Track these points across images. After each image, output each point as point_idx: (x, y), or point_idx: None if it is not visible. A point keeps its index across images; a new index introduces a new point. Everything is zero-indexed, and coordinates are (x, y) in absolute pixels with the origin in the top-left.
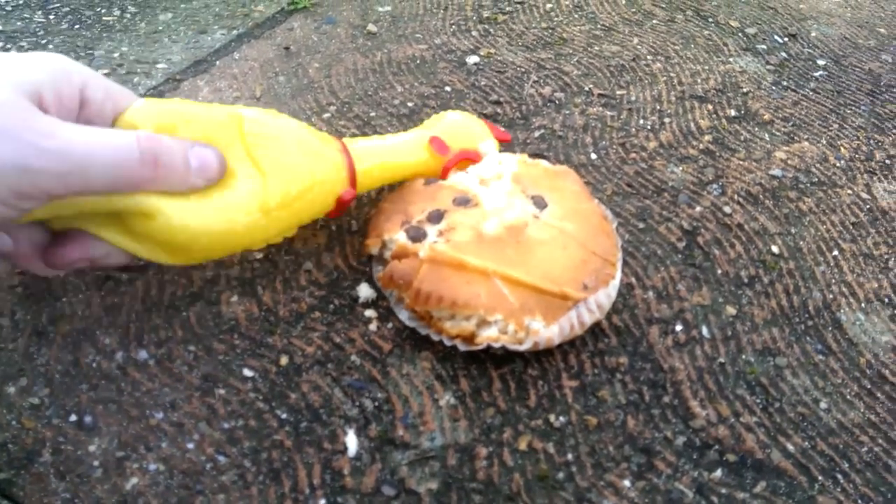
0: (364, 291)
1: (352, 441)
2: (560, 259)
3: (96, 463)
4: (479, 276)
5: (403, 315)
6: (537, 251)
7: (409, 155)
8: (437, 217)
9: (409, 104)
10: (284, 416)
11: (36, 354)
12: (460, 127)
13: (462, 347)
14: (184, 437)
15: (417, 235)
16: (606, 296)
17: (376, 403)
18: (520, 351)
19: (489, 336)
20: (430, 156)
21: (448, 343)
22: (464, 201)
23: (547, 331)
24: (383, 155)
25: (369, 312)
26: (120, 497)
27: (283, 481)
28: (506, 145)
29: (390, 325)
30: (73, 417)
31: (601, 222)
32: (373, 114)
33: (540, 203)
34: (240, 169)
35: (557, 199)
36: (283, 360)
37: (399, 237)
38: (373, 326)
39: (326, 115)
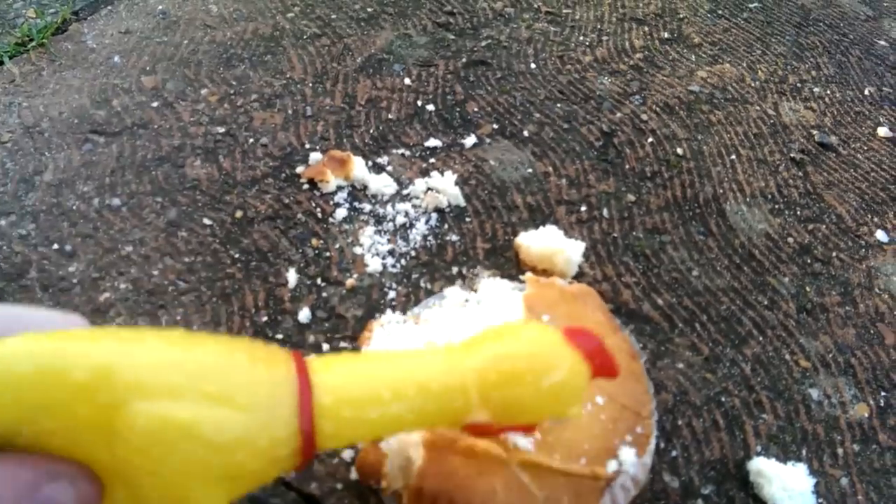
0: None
1: (292, 277)
2: (586, 421)
3: (75, 280)
4: (493, 462)
5: None
6: None
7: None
8: None
9: (369, 9)
10: (237, 255)
11: (23, 197)
12: (533, 359)
13: None
14: (150, 266)
15: None
16: (642, 466)
17: (316, 251)
18: None
19: None
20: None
21: None
22: None
23: None
24: (376, 390)
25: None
26: (94, 306)
27: (233, 302)
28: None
29: (331, 192)
30: (56, 246)
31: (630, 362)
32: (333, 16)
33: None
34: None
35: None
36: (238, 214)
37: None
38: (317, 192)
39: (290, 15)
